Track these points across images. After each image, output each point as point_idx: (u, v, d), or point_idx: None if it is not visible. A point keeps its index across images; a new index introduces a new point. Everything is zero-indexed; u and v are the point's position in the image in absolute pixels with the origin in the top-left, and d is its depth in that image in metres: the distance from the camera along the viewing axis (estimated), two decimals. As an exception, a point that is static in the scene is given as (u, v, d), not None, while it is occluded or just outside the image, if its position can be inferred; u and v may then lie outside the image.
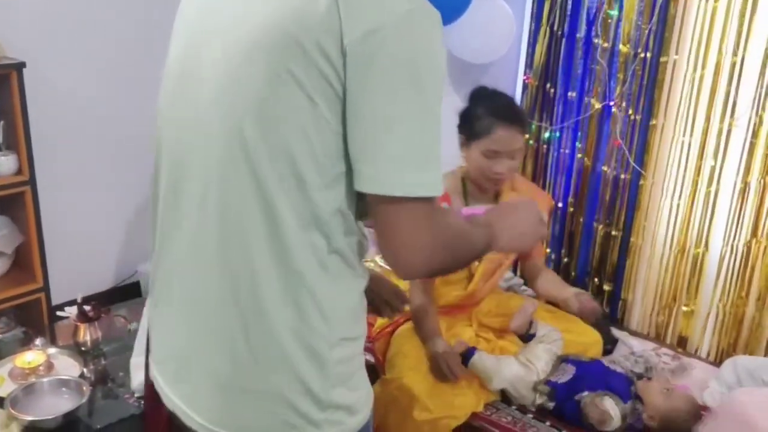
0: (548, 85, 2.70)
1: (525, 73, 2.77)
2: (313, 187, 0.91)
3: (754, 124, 2.25)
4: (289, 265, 0.93)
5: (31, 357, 1.89)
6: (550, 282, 2.24)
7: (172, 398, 1.06)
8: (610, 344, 2.30)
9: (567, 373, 1.97)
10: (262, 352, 0.96)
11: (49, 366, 1.89)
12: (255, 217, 0.92)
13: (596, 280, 2.72)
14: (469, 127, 2.00)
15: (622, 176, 2.55)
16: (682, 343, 2.54)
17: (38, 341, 2.11)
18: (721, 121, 2.31)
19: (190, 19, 1.04)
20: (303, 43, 0.86)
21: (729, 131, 2.31)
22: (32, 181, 2.41)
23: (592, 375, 1.96)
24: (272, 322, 0.94)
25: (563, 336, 2.07)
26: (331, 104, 0.88)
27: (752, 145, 2.27)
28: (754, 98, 2.24)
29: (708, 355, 2.50)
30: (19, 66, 2.28)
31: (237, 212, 0.93)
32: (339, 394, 0.99)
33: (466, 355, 1.96)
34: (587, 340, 2.17)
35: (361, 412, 1.04)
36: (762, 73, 2.21)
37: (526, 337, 2.09)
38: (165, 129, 1.06)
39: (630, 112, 2.49)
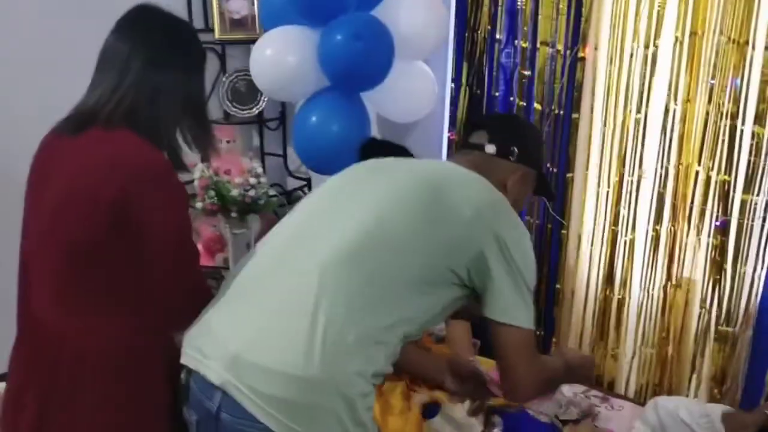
0: (471, 142, 2.81)
1: (449, 130, 2.88)
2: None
3: (660, 175, 2.39)
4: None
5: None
6: (460, 333, 2.27)
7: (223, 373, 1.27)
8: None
9: (496, 427, 2.03)
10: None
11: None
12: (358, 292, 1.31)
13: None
14: None
15: (548, 225, 2.66)
16: (611, 385, 2.64)
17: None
18: (630, 173, 2.45)
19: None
20: None
21: (639, 182, 2.45)
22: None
23: (519, 427, 2.01)
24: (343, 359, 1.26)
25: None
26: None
27: (660, 195, 2.41)
28: (659, 151, 2.38)
29: (636, 395, 2.59)
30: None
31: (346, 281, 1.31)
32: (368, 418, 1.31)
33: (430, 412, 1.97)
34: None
35: None
36: (664, 128, 2.36)
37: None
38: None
39: (549, 165, 2.61)
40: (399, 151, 2.15)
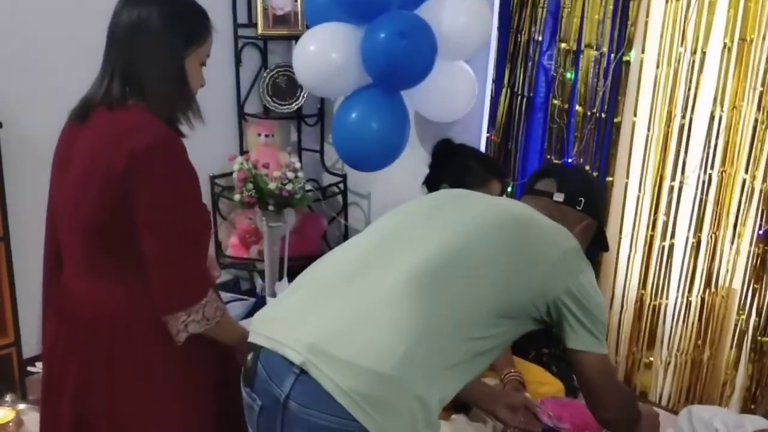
0: (510, 143, 2.81)
1: (488, 131, 2.88)
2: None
3: (703, 182, 2.37)
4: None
5: (1, 414, 1.91)
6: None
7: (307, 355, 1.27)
8: (572, 394, 2.37)
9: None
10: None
11: (19, 422, 1.91)
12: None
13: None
14: (456, 179, 2.10)
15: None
16: (643, 392, 2.62)
17: (8, 397, 2.14)
18: (672, 179, 2.43)
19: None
20: None
21: (681, 188, 2.43)
22: (6, 238, 2.45)
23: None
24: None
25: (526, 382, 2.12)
26: None
27: (702, 202, 2.39)
28: (702, 158, 2.36)
29: (669, 402, 2.58)
30: (-4, 126, 2.35)
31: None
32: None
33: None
34: (550, 390, 2.23)
35: None
36: (708, 134, 2.34)
37: None
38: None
39: (588, 167, 2.60)
40: (472, 154, 2.19)
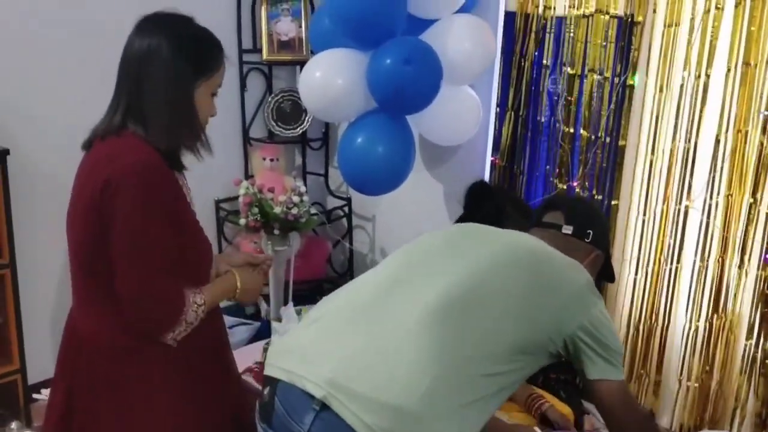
0: (515, 166, 2.82)
1: (492, 155, 2.89)
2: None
3: (709, 206, 2.37)
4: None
5: (6, 442, 1.90)
6: None
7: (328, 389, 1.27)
8: (579, 416, 2.35)
9: None
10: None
11: (24, 451, 1.91)
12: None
13: (567, 354, 2.78)
14: (491, 223, 1.98)
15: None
16: (651, 416, 2.60)
17: (14, 424, 2.13)
18: (678, 202, 2.42)
19: None
20: None
21: (686, 212, 2.43)
22: (12, 264, 2.46)
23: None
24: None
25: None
26: None
27: (708, 226, 2.38)
28: (708, 182, 2.36)
29: (680, 428, 2.55)
30: (3, 153, 2.35)
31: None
32: None
33: None
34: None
35: None
36: (714, 158, 2.34)
37: None
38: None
39: (594, 192, 2.60)
40: (509, 198, 2.15)
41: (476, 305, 1.40)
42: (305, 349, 1.38)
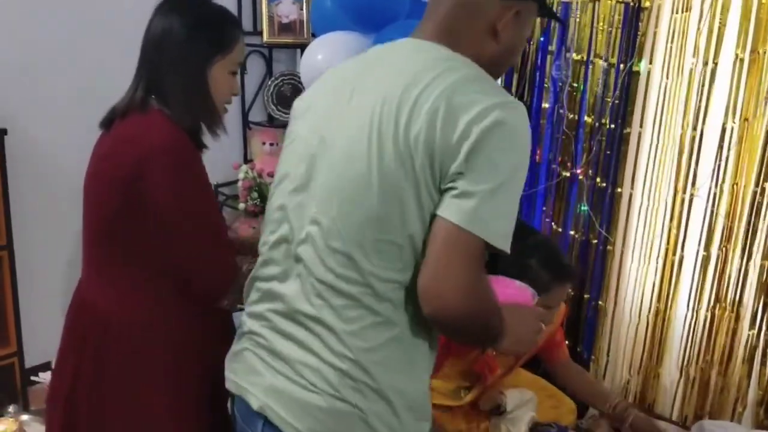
0: (518, 153, 2.78)
1: (496, 141, 2.86)
2: None
3: (714, 195, 2.35)
4: None
5: (2, 425, 1.89)
6: (587, 386, 2.27)
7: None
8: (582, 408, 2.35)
9: None
10: None
11: (21, 435, 1.89)
12: None
13: (567, 342, 2.77)
14: (517, 274, 1.69)
15: (593, 241, 2.63)
16: (652, 406, 2.59)
17: (11, 408, 2.11)
18: (683, 191, 2.40)
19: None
20: None
21: (691, 201, 2.41)
22: (9, 246, 2.43)
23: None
24: None
25: (537, 398, 2.10)
26: None
27: (713, 215, 2.36)
28: (713, 170, 2.34)
29: (679, 418, 2.54)
30: (1, 133, 2.32)
31: None
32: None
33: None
34: (562, 409, 2.21)
35: None
36: (720, 146, 2.31)
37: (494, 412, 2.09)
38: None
39: (597, 179, 2.58)
40: (539, 251, 1.95)
41: None
42: (245, 355, 1.27)
